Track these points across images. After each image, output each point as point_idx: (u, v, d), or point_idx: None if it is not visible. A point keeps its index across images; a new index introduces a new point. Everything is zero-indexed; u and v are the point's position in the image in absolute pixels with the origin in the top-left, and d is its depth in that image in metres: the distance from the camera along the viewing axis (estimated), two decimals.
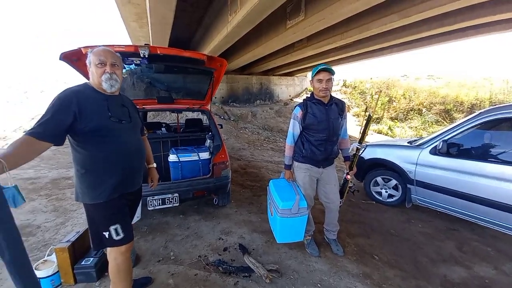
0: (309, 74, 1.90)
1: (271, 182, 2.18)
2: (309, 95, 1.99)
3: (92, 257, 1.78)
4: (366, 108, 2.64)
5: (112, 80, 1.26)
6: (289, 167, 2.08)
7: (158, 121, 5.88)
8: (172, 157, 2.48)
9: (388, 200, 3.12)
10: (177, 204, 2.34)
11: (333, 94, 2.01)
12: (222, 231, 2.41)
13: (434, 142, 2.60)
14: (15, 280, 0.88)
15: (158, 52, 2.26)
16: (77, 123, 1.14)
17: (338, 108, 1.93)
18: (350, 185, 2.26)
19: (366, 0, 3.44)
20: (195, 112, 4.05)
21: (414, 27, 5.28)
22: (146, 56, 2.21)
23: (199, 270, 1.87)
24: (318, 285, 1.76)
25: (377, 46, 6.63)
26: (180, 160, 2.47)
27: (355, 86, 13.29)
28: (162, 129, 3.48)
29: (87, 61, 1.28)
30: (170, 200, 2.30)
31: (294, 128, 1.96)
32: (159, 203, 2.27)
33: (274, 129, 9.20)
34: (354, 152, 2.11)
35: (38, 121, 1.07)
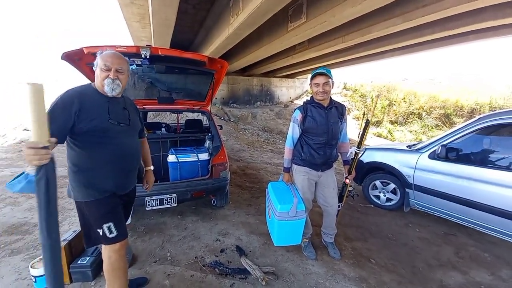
0: (310, 76, 1.91)
1: (270, 184, 2.18)
2: (309, 98, 2.00)
3: (88, 257, 1.78)
4: (364, 113, 2.66)
5: (114, 84, 1.26)
6: (288, 170, 2.08)
7: (158, 121, 5.88)
8: (171, 158, 2.48)
9: (386, 204, 3.12)
10: (175, 205, 2.34)
11: (333, 97, 2.01)
12: (220, 233, 2.40)
13: (433, 147, 2.60)
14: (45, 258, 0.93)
15: (160, 53, 2.27)
16: (76, 122, 1.15)
17: (338, 111, 1.93)
18: (349, 189, 2.26)
19: (369, 3, 3.45)
20: (195, 113, 4.06)
21: (416, 30, 5.27)
22: (148, 56, 2.22)
23: (196, 271, 1.87)
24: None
25: (379, 49, 6.63)
26: (179, 160, 2.48)
27: (356, 89, 13.30)
28: (162, 129, 3.49)
29: (94, 63, 1.29)
30: (168, 200, 2.30)
31: (293, 131, 1.97)
32: (157, 203, 2.27)
33: (274, 130, 9.21)
34: (353, 156, 2.11)
35: None
